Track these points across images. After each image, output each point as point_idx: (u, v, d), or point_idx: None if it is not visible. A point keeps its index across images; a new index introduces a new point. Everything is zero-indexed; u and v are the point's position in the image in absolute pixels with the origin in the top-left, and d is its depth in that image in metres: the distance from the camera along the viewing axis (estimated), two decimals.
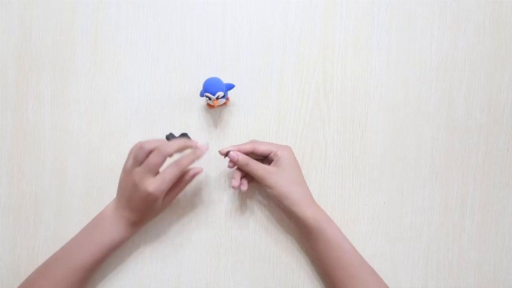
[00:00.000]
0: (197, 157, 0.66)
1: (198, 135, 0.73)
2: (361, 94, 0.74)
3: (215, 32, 0.74)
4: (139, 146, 0.66)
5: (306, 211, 0.67)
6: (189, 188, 0.73)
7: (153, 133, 0.74)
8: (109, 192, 0.73)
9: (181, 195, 0.73)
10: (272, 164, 0.69)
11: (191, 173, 0.68)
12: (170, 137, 0.72)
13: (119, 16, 0.74)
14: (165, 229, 0.73)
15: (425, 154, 0.74)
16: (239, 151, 0.68)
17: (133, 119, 0.74)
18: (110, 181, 0.73)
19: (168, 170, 0.65)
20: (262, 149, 0.69)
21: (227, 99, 0.72)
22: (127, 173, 0.67)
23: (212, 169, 0.73)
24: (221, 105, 0.72)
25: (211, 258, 0.73)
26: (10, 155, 0.74)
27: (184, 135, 0.72)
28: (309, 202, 0.69)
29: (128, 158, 0.67)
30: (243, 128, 0.74)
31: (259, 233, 0.74)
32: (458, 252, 0.74)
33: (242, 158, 0.67)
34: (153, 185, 0.64)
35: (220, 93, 0.67)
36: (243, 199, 0.74)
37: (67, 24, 0.74)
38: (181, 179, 0.68)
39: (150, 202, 0.65)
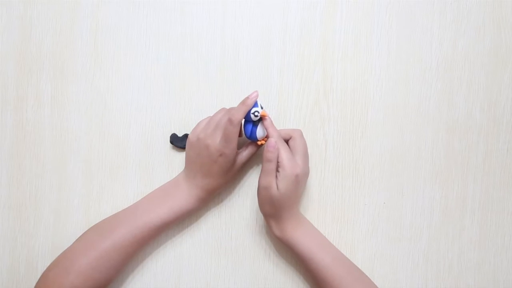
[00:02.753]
0: (248, 106, 0.66)
1: None
2: (361, 94, 0.74)
3: (215, 32, 0.74)
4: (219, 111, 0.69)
5: (275, 231, 0.67)
6: None
7: (153, 133, 0.74)
8: (109, 192, 0.73)
9: None
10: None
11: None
12: (173, 138, 0.73)
13: (119, 16, 0.74)
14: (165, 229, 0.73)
15: (425, 154, 0.74)
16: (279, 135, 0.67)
17: (133, 119, 0.74)
18: (110, 181, 0.73)
19: (226, 129, 0.65)
20: (281, 157, 0.65)
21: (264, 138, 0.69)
22: (198, 139, 0.68)
23: None
24: (264, 140, 0.69)
25: (211, 258, 0.73)
26: (10, 155, 0.74)
27: (187, 136, 0.72)
28: (281, 219, 0.67)
29: (196, 127, 0.69)
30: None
31: (259, 233, 0.73)
32: (458, 252, 0.74)
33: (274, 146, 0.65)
34: (221, 144, 0.65)
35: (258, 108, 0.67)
36: (243, 199, 0.74)
37: (67, 24, 0.74)
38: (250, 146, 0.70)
39: (223, 162, 0.66)
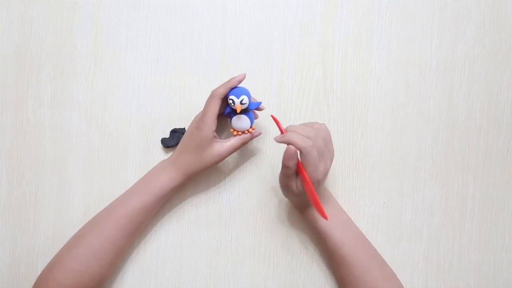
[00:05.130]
0: (232, 84, 0.66)
1: None
2: (361, 94, 0.74)
3: (215, 32, 0.74)
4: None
5: (299, 211, 0.70)
6: (188, 188, 0.73)
7: (153, 133, 0.74)
8: (109, 192, 0.73)
9: (180, 196, 0.73)
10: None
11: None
12: (163, 141, 0.73)
13: (119, 16, 0.74)
14: (165, 229, 0.73)
15: (425, 154, 0.74)
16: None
17: (133, 119, 0.74)
18: (110, 181, 0.73)
19: (206, 103, 0.67)
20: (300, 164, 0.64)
21: (252, 128, 0.69)
22: None
23: (212, 169, 0.73)
24: (244, 132, 0.69)
25: (211, 258, 0.73)
26: (10, 155, 0.74)
27: (174, 131, 0.72)
28: (308, 206, 0.68)
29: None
30: None
31: (259, 233, 0.73)
32: (458, 252, 0.74)
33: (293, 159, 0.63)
34: (199, 116, 0.67)
35: (244, 97, 0.66)
36: (243, 199, 0.74)
37: (67, 24, 0.74)
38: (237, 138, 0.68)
39: (197, 136, 0.67)
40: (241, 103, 0.66)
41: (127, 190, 0.70)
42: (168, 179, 0.68)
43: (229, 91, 0.67)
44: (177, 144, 0.72)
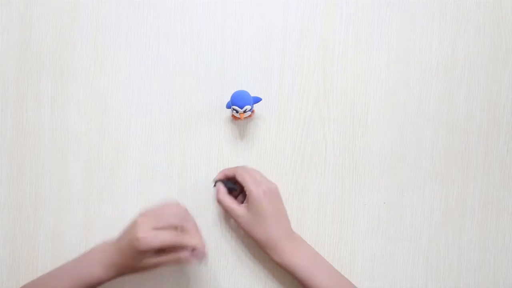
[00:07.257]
0: (195, 245, 0.63)
1: (199, 133, 0.73)
2: (361, 94, 0.74)
3: (215, 32, 0.74)
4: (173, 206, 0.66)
5: (273, 256, 0.67)
6: (188, 188, 0.73)
7: (153, 133, 0.74)
8: (109, 192, 0.73)
9: (181, 195, 0.73)
10: (245, 201, 0.69)
11: (181, 254, 0.62)
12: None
13: (119, 16, 0.74)
14: None
15: (425, 154, 0.74)
16: (224, 175, 0.71)
17: (133, 119, 0.74)
18: (110, 181, 0.74)
19: (167, 232, 0.62)
20: (239, 179, 0.69)
21: (253, 111, 0.72)
22: (141, 212, 0.65)
23: (212, 169, 0.73)
24: (246, 117, 0.71)
25: (211, 258, 0.73)
26: (10, 155, 0.74)
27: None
28: (274, 245, 0.67)
29: (154, 207, 0.65)
30: (242, 128, 0.74)
31: None
32: (458, 252, 0.74)
33: (219, 195, 0.69)
34: (145, 234, 0.61)
35: (248, 107, 0.67)
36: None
37: (67, 24, 0.74)
38: (170, 252, 0.63)
39: (133, 249, 0.61)
40: (244, 111, 0.68)
41: (66, 264, 0.66)
42: (100, 271, 0.64)
43: (230, 101, 0.68)
44: (233, 187, 0.71)
